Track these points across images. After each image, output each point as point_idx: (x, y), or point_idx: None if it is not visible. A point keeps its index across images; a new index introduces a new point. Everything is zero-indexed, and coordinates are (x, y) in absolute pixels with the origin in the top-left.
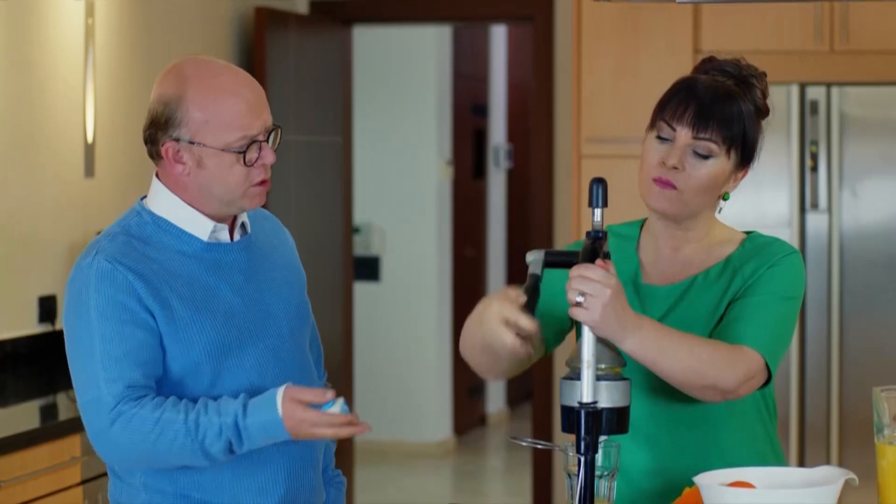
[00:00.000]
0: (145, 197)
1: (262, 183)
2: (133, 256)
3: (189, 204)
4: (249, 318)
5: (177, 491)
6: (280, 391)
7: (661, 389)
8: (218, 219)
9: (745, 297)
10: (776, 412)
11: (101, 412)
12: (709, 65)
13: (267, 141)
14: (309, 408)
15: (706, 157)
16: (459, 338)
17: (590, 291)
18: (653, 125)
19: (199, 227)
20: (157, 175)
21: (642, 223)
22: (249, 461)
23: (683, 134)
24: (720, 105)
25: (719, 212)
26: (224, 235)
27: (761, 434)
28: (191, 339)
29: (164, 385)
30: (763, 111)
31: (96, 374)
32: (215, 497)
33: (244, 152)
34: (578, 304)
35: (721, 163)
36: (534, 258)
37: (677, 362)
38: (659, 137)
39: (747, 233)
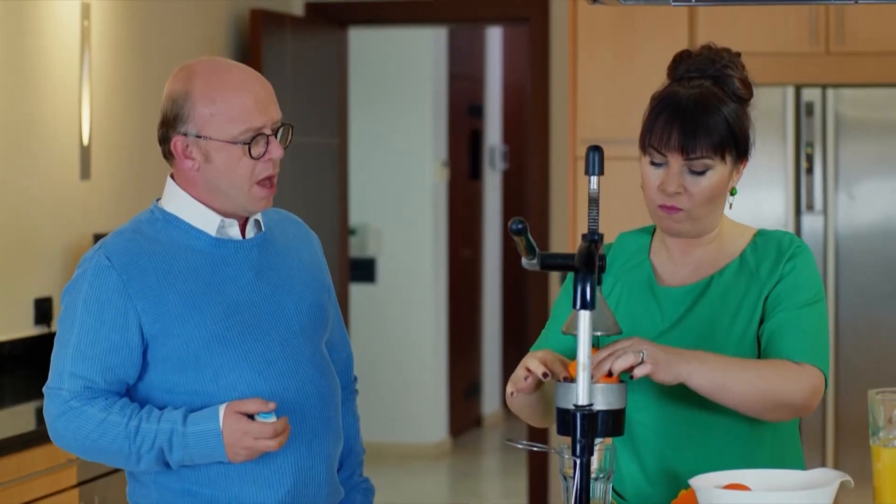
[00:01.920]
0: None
1: (269, 180)
2: (134, 253)
3: (199, 200)
4: (255, 314)
5: (184, 487)
6: (223, 405)
7: (676, 393)
8: (228, 216)
9: (777, 312)
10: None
11: (55, 402)
12: (682, 67)
13: (275, 136)
14: (252, 419)
15: (703, 172)
16: (455, 339)
17: (642, 348)
18: (644, 149)
19: (207, 222)
20: (171, 175)
21: (654, 228)
22: None
23: (674, 159)
24: (703, 117)
25: (730, 207)
26: (234, 232)
27: (784, 436)
28: (188, 333)
29: (167, 377)
30: (746, 97)
31: (64, 366)
32: (223, 492)
33: (249, 144)
34: (643, 363)
35: (719, 170)
36: (529, 263)
37: (747, 386)
38: (653, 163)
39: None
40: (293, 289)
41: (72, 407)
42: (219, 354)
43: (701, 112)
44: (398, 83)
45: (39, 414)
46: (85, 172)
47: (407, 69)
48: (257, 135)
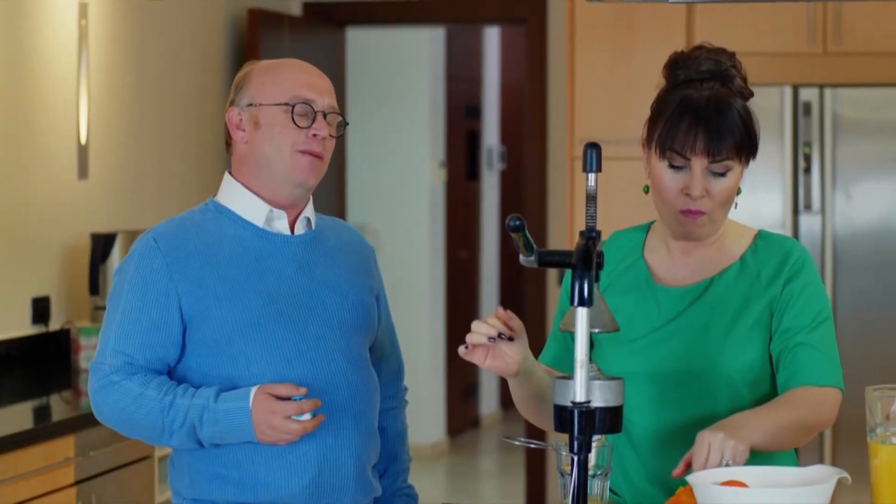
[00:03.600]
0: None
1: (312, 154)
2: (180, 237)
3: (249, 188)
4: (294, 305)
5: (213, 471)
6: (256, 386)
7: (672, 394)
8: (276, 204)
9: (791, 336)
10: None
11: (97, 375)
12: (684, 70)
13: (324, 118)
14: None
15: (724, 174)
16: (453, 339)
17: (728, 456)
18: (662, 154)
19: (256, 212)
20: (228, 171)
21: (648, 226)
22: None
23: (699, 162)
24: (724, 118)
25: (735, 207)
26: (282, 225)
27: None
28: (224, 316)
29: (203, 361)
30: (748, 96)
31: (108, 342)
32: (250, 476)
33: (293, 107)
34: (728, 465)
35: (736, 171)
36: (527, 259)
37: (794, 433)
38: (672, 166)
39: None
40: (337, 287)
41: (112, 381)
42: (252, 340)
43: (721, 113)
44: (396, 84)
45: (36, 413)
46: (82, 172)
47: (404, 70)
48: (305, 104)
